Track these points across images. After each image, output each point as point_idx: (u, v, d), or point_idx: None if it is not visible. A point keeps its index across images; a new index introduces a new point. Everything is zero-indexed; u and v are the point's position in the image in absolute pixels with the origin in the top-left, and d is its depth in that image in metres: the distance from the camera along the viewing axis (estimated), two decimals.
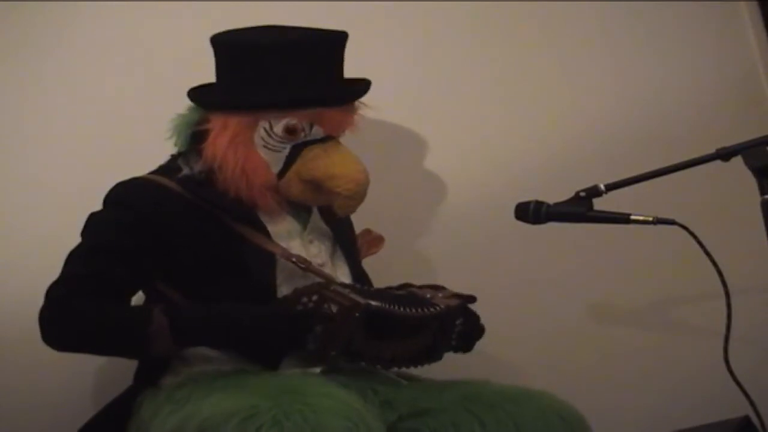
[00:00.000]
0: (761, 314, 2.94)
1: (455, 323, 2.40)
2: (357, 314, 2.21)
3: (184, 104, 2.43)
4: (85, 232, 2.33)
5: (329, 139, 2.38)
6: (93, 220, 2.34)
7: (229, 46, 2.39)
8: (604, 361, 2.96)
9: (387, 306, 2.26)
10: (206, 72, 2.44)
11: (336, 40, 2.40)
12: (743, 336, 2.34)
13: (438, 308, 2.34)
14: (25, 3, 2.73)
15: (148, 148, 2.44)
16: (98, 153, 2.69)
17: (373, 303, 2.24)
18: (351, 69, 2.43)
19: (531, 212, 2.34)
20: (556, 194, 2.35)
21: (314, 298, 2.23)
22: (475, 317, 2.48)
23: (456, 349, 2.46)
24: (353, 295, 2.24)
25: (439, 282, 2.49)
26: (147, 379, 2.34)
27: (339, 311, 2.21)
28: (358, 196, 2.36)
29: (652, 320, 3.03)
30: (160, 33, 2.79)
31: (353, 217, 2.56)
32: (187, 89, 2.44)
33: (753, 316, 2.75)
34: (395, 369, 2.40)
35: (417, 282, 2.48)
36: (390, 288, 2.42)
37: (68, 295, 2.24)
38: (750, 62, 3.17)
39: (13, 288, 2.57)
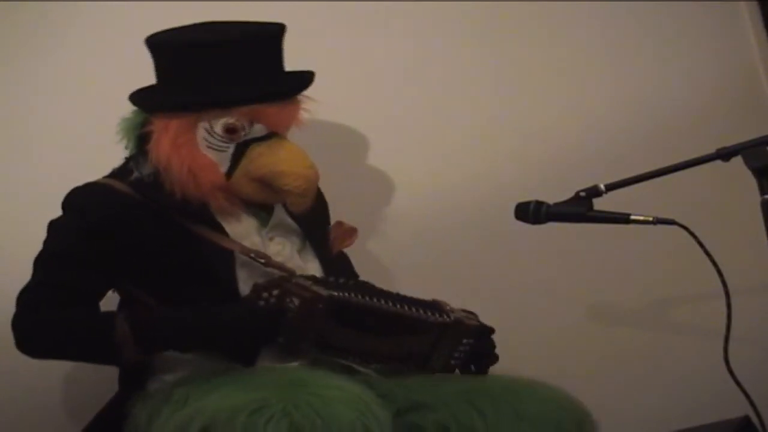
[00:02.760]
0: (761, 314, 2.94)
1: (461, 341, 2.37)
2: (320, 305, 2.19)
3: None
4: (47, 239, 2.34)
5: (274, 135, 2.35)
6: (53, 227, 2.34)
7: (164, 47, 2.37)
8: (604, 361, 2.96)
9: (351, 296, 2.23)
10: None
11: (272, 33, 2.37)
12: (743, 336, 2.34)
13: (446, 317, 2.32)
14: (26, 3, 2.73)
15: None
16: (98, 152, 2.68)
17: (335, 293, 2.21)
18: (351, 67, 2.43)
19: (531, 212, 2.34)
20: (556, 194, 2.35)
21: (275, 292, 2.21)
22: (491, 345, 2.45)
23: (456, 368, 2.41)
24: (315, 287, 2.21)
25: (438, 282, 2.49)
26: (132, 384, 2.34)
27: (301, 304, 2.19)
28: (307, 192, 2.33)
29: (653, 320, 3.03)
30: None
31: (342, 216, 2.56)
32: None
33: (753, 316, 2.75)
34: (374, 365, 2.37)
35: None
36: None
37: (33, 306, 2.26)
38: (750, 62, 3.17)
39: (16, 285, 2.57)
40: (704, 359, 2.59)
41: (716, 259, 2.23)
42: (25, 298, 2.28)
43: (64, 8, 2.76)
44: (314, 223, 2.48)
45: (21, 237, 2.65)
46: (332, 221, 2.56)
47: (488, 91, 3.00)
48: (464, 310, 2.42)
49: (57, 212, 2.40)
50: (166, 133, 2.32)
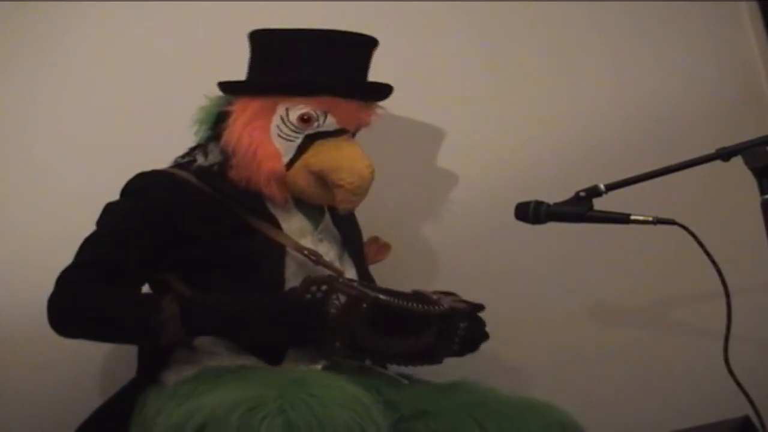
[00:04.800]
0: (761, 314, 2.94)
1: (459, 326, 2.41)
2: (364, 305, 2.22)
3: (184, 103, 2.43)
4: (101, 219, 2.35)
5: (343, 133, 2.40)
6: (109, 208, 2.36)
7: (261, 37, 2.42)
8: (604, 361, 2.96)
9: (395, 300, 2.27)
10: (207, 70, 2.45)
11: (364, 43, 2.43)
12: (743, 336, 2.34)
13: (443, 308, 2.35)
14: (26, 3, 2.74)
15: (148, 147, 2.44)
16: (98, 153, 2.69)
17: (382, 296, 2.25)
18: None
19: (531, 212, 2.34)
20: (556, 194, 2.35)
21: (323, 288, 2.24)
22: (481, 323, 2.49)
23: (458, 354, 2.46)
24: (362, 287, 2.26)
25: (439, 282, 2.49)
26: (148, 373, 2.35)
27: (347, 302, 2.22)
28: (360, 191, 2.37)
29: (652, 320, 3.03)
30: (159, 32, 2.79)
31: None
32: (186, 88, 2.45)
33: (753, 316, 2.75)
34: (395, 367, 2.40)
35: (426, 285, 2.48)
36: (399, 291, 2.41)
37: (78, 282, 2.26)
38: (750, 62, 3.17)
39: (18, 285, 2.57)
40: (704, 359, 2.58)
41: (716, 259, 2.23)
42: (68, 275, 2.28)
43: (63, 8, 2.76)
44: (352, 235, 2.55)
45: (22, 236, 2.66)
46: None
47: (488, 91, 3.00)
48: (445, 293, 2.45)
49: (56, 211, 2.40)
50: (243, 113, 2.37)
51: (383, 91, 2.47)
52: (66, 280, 2.27)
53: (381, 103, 2.49)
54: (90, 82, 2.75)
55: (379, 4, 2.93)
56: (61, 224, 2.36)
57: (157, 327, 2.22)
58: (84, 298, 2.25)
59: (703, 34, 3.14)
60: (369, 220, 2.63)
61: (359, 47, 2.43)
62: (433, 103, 2.96)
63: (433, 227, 2.93)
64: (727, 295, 2.24)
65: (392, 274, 2.57)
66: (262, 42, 2.42)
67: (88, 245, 2.32)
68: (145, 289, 2.40)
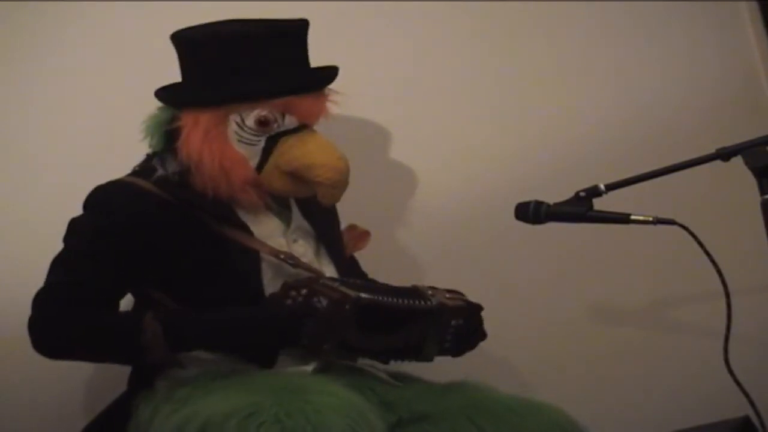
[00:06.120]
0: (761, 314, 2.94)
1: (450, 324, 2.37)
2: (347, 307, 2.20)
3: None
4: (67, 238, 2.32)
5: (304, 127, 2.35)
6: (74, 225, 2.32)
7: (192, 42, 2.36)
8: (604, 361, 2.96)
9: (377, 298, 2.25)
10: None
11: (298, 28, 2.37)
12: (743, 336, 2.34)
13: (431, 303, 2.33)
14: (26, 3, 2.73)
15: (144, 147, 2.44)
16: (99, 152, 2.69)
17: (363, 295, 2.23)
18: (351, 66, 2.44)
19: (531, 212, 2.34)
20: (556, 194, 2.35)
21: (303, 291, 2.22)
22: (478, 321, 2.44)
23: (450, 352, 2.42)
24: (343, 288, 2.23)
25: (439, 282, 2.48)
26: (142, 381, 2.33)
27: (328, 304, 2.20)
28: (340, 184, 2.33)
29: (652, 320, 3.03)
30: (160, 33, 2.78)
31: (342, 214, 2.56)
32: None
33: (753, 316, 2.75)
34: (384, 364, 2.38)
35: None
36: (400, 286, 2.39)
37: (55, 305, 2.23)
38: (750, 62, 3.17)
39: (18, 285, 2.57)
40: (704, 359, 2.58)
41: (716, 259, 2.23)
42: (42, 297, 2.25)
43: (63, 8, 2.76)
44: (327, 225, 2.49)
45: (19, 236, 2.65)
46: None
47: (489, 91, 3.00)
48: (449, 290, 2.42)
49: (55, 213, 2.39)
50: (196, 127, 2.30)
51: (332, 74, 2.40)
52: (41, 304, 2.24)
53: (380, 99, 2.48)
54: (90, 82, 2.75)
55: (378, 4, 2.93)
56: (61, 224, 2.35)
57: (141, 348, 2.20)
58: (62, 322, 2.22)
59: (703, 34, 3.14)
60: (368, 222, 2.62)
61: (297, 35, 2.36)
62: (433, 102, 2.96)
63: (432, 228, 2.93)
64: (727, 295, 2.24)
65: (391, 276, 2.57)
66: (195, 46, 2.36)
67: (58, 265, 2.28)
68: (129, 299, 2.38)
